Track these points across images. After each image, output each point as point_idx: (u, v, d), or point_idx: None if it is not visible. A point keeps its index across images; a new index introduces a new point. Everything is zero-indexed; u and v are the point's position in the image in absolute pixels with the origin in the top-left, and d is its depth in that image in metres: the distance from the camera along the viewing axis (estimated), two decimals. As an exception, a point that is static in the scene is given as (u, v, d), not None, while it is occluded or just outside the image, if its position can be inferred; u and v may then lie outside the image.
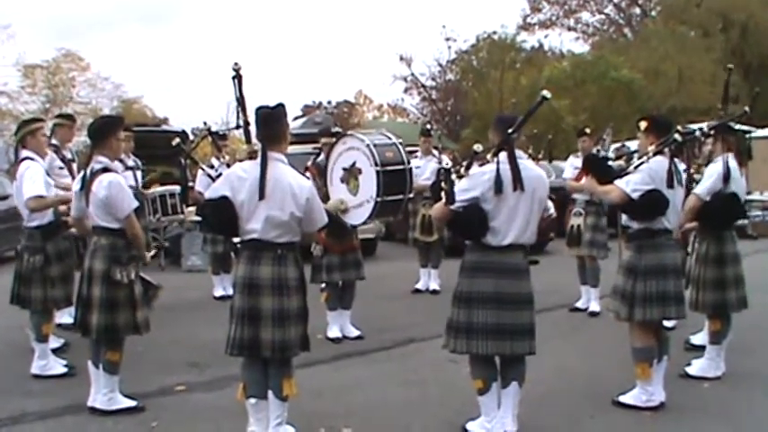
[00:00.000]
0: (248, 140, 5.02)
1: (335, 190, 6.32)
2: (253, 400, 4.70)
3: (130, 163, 8.93)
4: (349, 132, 6.74)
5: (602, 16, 41.83)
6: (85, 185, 5.29)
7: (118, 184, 5.26)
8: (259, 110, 4.72)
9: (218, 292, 9.89)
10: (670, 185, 5.30)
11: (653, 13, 39.62)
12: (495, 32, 37.47)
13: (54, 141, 7.46)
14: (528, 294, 4.78)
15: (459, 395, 5.48)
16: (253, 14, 70.37)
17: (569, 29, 41.48)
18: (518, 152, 4.76)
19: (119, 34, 61.90)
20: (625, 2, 40.86)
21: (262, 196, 4.48)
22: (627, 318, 5.42)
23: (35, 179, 6.06)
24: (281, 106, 4.74)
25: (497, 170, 4.64)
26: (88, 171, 5.32)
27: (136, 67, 58.27)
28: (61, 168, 7.42)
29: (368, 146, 6.11)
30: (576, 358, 6.80)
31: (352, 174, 6.24)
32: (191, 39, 65.91)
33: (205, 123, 9.57)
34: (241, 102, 5.14)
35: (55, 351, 6.58)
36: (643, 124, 5.63)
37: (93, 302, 5.23)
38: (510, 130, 4.67)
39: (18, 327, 6.88)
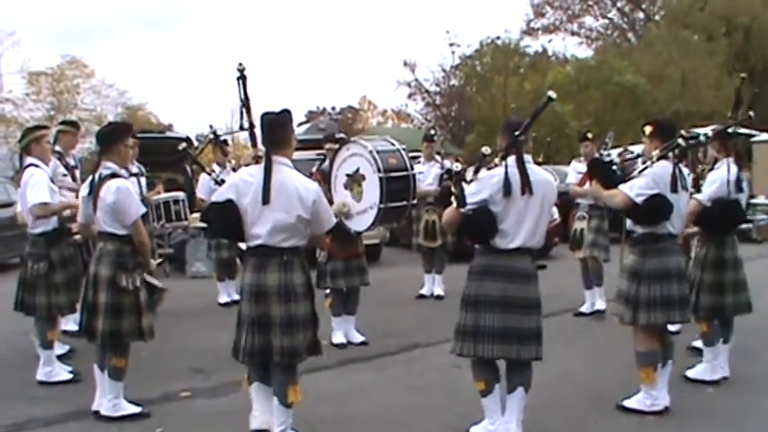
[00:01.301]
0: (254, 144, 5.01)
1: (339, 196, 6.34)
2: (256, 385, 4.76)
3: (134, 169, 8.94)
4: (353, 139, 6.75)
5: (606, 21, 41.79)
6: (93, 191, 5.31)
7: (126, 190, 5.29)
8: (264, 115, 4.72)
9: (223, 299, 9.90)
10: (674, 190, 5.30)
11: (656, 17, 39.57)
12: (498, 38, 37.52)
13: (57, 148, 7.48)
14: (536, 299, 4.78)
15: (464, 400, 5.47)
16: (256, 21, 70.59)
17: (573, 34, 41.45)
18: (526, 156, 4.79)
19: (123, 41, 62.08)
20: (629, 6, 40.83)
21: (266, 201, 4.49)
22: (631, 321, 5.42)
23: (39, 186, 6.09)
24: (286, 112, 4.74)
25: (506, 173, 4.66)
26: (96, 176, 5.33)
27: (140, 74, 58.27)
28: (65, 175, 7.45)
29: (371, 152, 6.11)
30: (580, 363, 6.80)
31: (355, 180, 6.26)
32: (195, 45, 66.10)
33: (211, 127, 9.60)
34: (246, 103, 5.13)
35: (60, 357, 6.59)
36: (648, 129, 5.63)
37: (99, 308, 5.25)
38: (517, 133, 4.71)
39: (23, 333, 6.89)
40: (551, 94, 4.72)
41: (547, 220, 4.87)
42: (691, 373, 6.21)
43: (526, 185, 4.66)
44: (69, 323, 7.39)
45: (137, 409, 5.44)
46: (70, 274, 6.43)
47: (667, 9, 38.21)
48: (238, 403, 5.47)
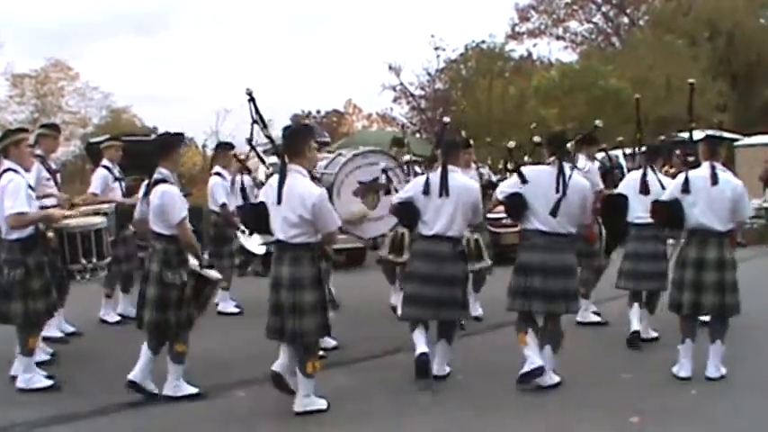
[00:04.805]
0: (275, 154, 5.81)
1: (345, 203, 6.90)
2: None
3: (118, 173, 8.75)
4: (378, 149, 7.69)
5: (591, 25, 41.90)
6: (147, 193, 5.90)
7: (170, 194, 5.80)
8: (286, 128, 5.75)
9: (229, 309, 9.46)
10: (557, 191, 6.01)
11: (641, 21, 39.77)
12: (483, 42, 37.54)
13: (39, 152, 7.39)
14: (455, 275, 6.19)
15: (449, 402, 5.52)
16: (242, 25, 70.23)
17: (558, 38, 41.50)
18: (450, 167, 6.19)
19: (107, 44, 61.54)
20: (613, 11, 41.00)
21: (278, 201, 5.39)
22: (509, 308, 6.24)
23: (17, 194, 6.00)
24: (305, 126, 5.74)
25: (427, 177, 6.25)
26: (151, 180, 5.90)
27: (125, 77, 57.74)
28: (48, 179, 7.38)
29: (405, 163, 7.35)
30: (569, 368, 6.75)
31: (372, 188, 7.07)
32: (179, 49, 65.49)
33: (249, 141, 9.55)
34: (261, 120, 6.14)
35: (42, 363, 6.53)
36: (537, 138, 6.52)
37: (148, 300, 5.84)
38: (434, 147, 6.43)
39: (2, 339, 6.82)
40: (445, 119, 6.31)
41: (464, 217, 6.20)
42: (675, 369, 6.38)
43: (443, 188, 6.10)
44: (51, 329, 7.31)
45: (194, 390, 5.98)
46: (47, 280, 6.31)
47: (652, 14, 38.39)
48: (224, 407, 5.47)
